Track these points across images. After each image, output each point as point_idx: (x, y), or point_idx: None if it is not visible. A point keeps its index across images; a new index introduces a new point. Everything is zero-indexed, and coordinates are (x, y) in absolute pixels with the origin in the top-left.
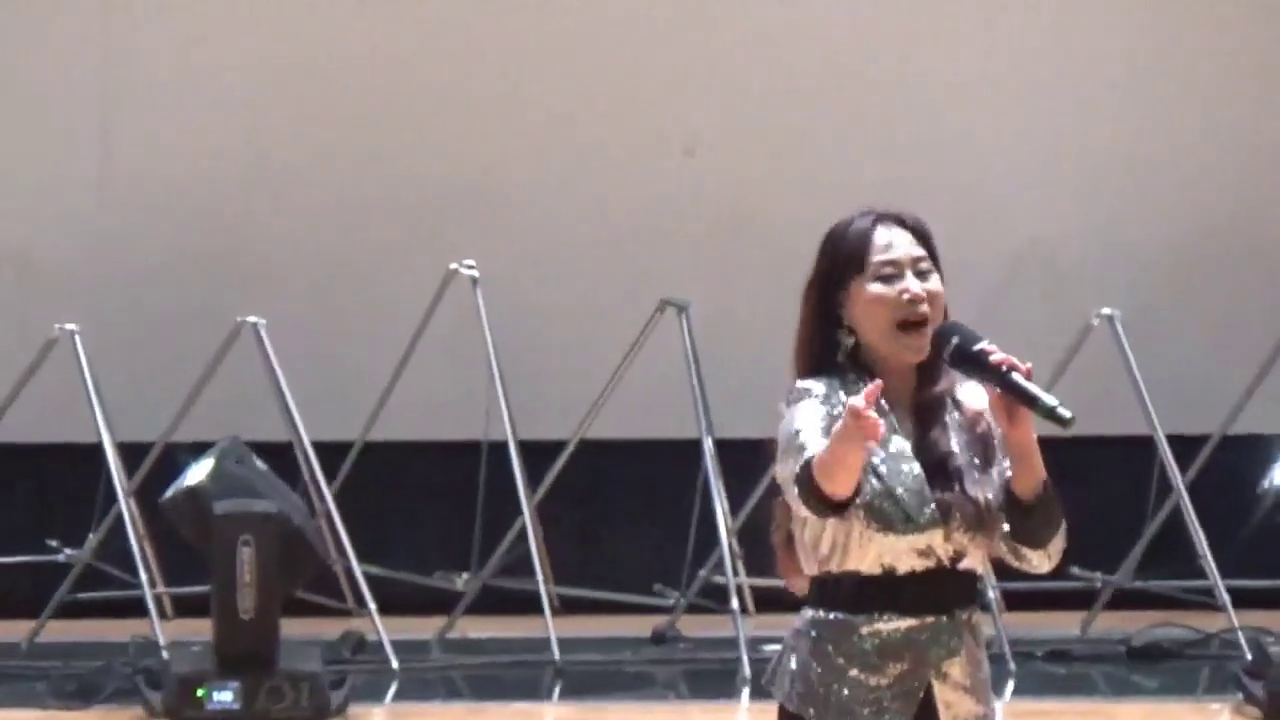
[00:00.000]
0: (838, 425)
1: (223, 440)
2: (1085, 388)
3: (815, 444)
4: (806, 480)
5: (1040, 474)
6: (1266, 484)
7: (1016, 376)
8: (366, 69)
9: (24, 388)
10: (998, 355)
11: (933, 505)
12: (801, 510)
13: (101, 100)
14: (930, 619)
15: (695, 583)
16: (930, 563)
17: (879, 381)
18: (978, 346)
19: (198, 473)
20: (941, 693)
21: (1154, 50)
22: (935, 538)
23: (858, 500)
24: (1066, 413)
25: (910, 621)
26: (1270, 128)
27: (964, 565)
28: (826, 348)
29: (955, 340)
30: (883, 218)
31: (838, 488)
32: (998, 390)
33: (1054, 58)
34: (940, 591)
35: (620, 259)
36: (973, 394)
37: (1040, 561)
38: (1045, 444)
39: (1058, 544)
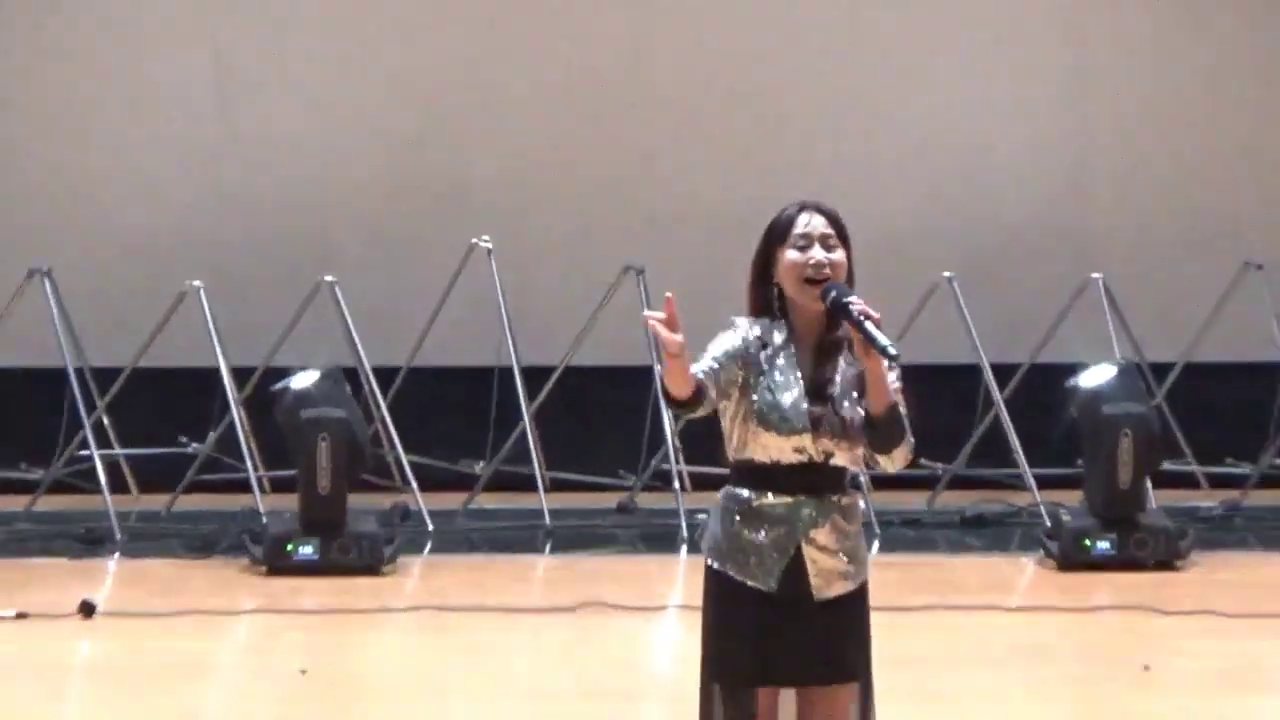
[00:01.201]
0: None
1: (329, 364)
2: (933, 329)
3: (700, 362)
4: (664, 385)
5: (887, 399)
6: (1071, 382)
7: (868, 323)
8: (416, 96)
9: (163, 328)
10: (858, 305)
11: (806, 417)
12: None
13: (216, 110)
14: (804, 498)
15: (648, 469)
16: (804, 458)
17: (669, 295)
18: (846, 299)
19: (304, 379)
20: (809, 552)
21: (987, 64)
22: (806, 441)
23: (752, 410)
24: (893, 350)
25: (787, 499)
26: (1072, 138)
27: (834, 463)
28: (763, 298)
29: (833, 293)
30: (806, 206)
31: (673, 389)
32: (856, 330)
33: (910, 73)
34: (812, 480)
35: (596, 235)
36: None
37: (886, 464)
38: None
39: (901, 452)
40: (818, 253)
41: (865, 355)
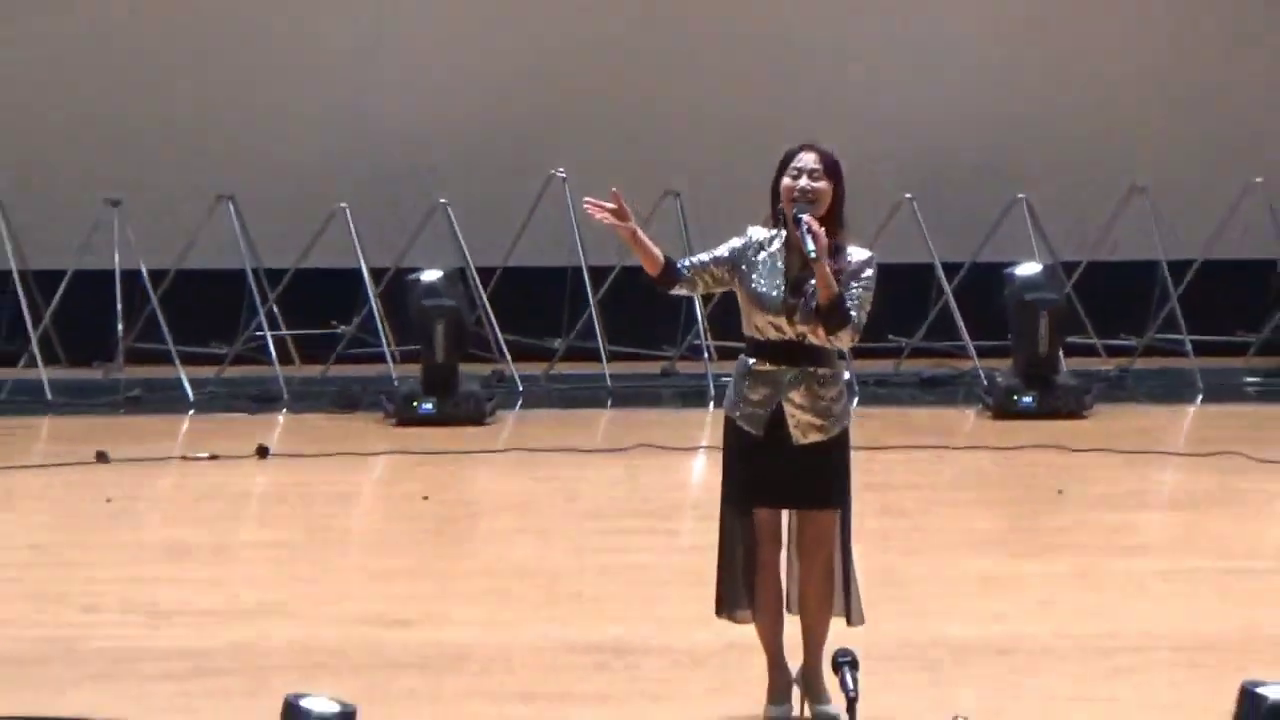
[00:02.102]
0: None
1: (450, 267)
2: (899, 236)
3: (697, 255)
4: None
5: (830, 293)
6: (1009, 270)
7: (809, 236)
8: (508, 58)
9: (318, 238)
10: (806, 220)
11: (781, 304)
12: None
13: (358, 66)
14: (785, 367)
15: (684, 343)
16: (784, 336)
17: (614, 190)
18: (800, 215)
19: (432, 274)
20: (787, 408)
21: (946, 29)
22: (782, 322)
23: (749, 295)
24: (813, 254)
25: (772, 367)
26: (1005, 86)
27: (808, 342)
28: (774, 211)
29: (794, 211)
30: (805, 146)
31: (646, 269)
32: (798, 238)
33: (888, 38)
34: (792, 353)
35: (645, 164)
36: (854, 253)
37: (836, 342)
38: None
39: (845, 334)
40: (804, 181)
41: (808, 260)
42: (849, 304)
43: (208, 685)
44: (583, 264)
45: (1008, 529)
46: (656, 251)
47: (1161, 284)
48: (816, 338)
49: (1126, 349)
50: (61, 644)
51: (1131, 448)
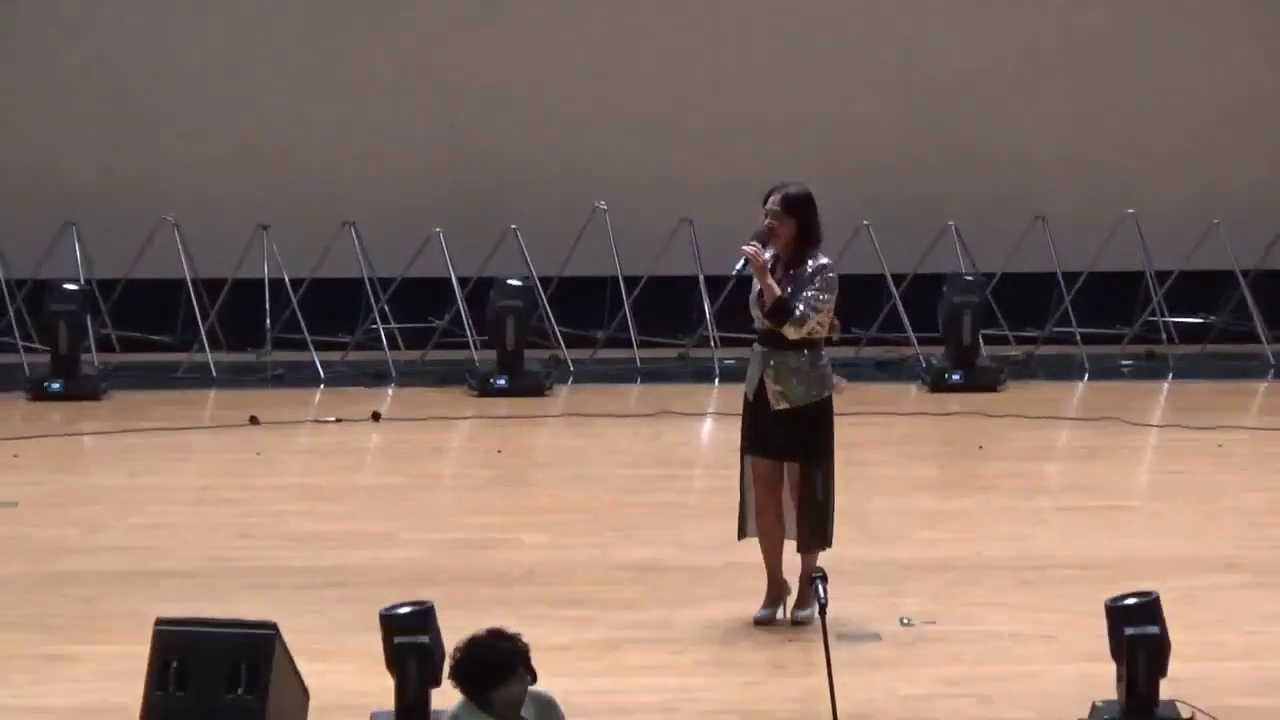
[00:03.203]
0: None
1: (528, 277)
2: (859, 252)
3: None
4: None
5: (773, 296)
6: (947, 277)
7: (747, 263)
8: (558, 117)
9: (420, 252)
10: (747, 247)
11: (759, 302)
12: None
13: (451, 99)
14: (768, 349)
15: (695, 334)
16: (763, 326)
17: (759, 249)
18: (745, 245)
19: (515, 281)
20: (765, 381)
21: (887, 86)
22: (759, 315)
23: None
24: (734, 271)
25: (761, 348)
26: (939, 134)
27: (779, 331)
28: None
29: (751, 238)
30: (775, 189)
31: (766, 300)
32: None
33: (846, 98)
34: (771, 340)
35: (666, 199)
36: (815, 263)
37: (785, 333)
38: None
39: (790, 329)
40: (766, 220)
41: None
42: (798, 304)
43: (335, 594)
44: (619, 275)
45: (941, 476)
46: (778, 289)
47: (1057, 289)
48: (793, 331)
49: (1031, 339)
50: (223, 562)
51: (1035, 414)
